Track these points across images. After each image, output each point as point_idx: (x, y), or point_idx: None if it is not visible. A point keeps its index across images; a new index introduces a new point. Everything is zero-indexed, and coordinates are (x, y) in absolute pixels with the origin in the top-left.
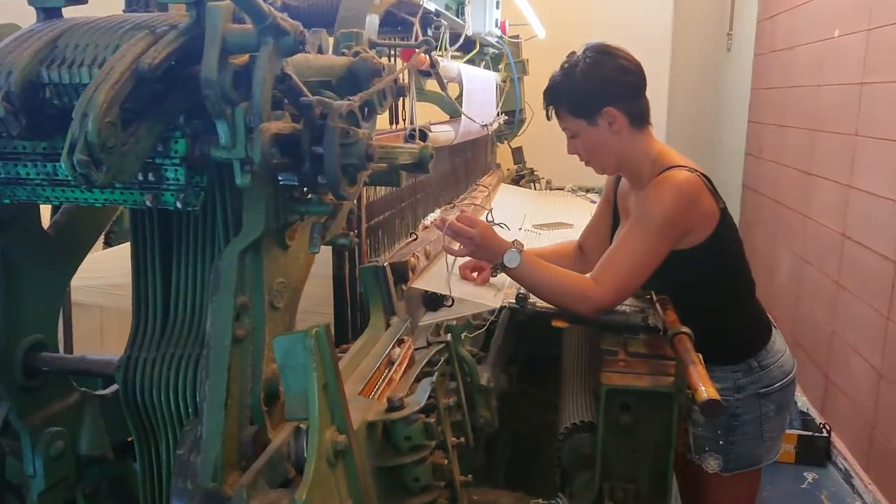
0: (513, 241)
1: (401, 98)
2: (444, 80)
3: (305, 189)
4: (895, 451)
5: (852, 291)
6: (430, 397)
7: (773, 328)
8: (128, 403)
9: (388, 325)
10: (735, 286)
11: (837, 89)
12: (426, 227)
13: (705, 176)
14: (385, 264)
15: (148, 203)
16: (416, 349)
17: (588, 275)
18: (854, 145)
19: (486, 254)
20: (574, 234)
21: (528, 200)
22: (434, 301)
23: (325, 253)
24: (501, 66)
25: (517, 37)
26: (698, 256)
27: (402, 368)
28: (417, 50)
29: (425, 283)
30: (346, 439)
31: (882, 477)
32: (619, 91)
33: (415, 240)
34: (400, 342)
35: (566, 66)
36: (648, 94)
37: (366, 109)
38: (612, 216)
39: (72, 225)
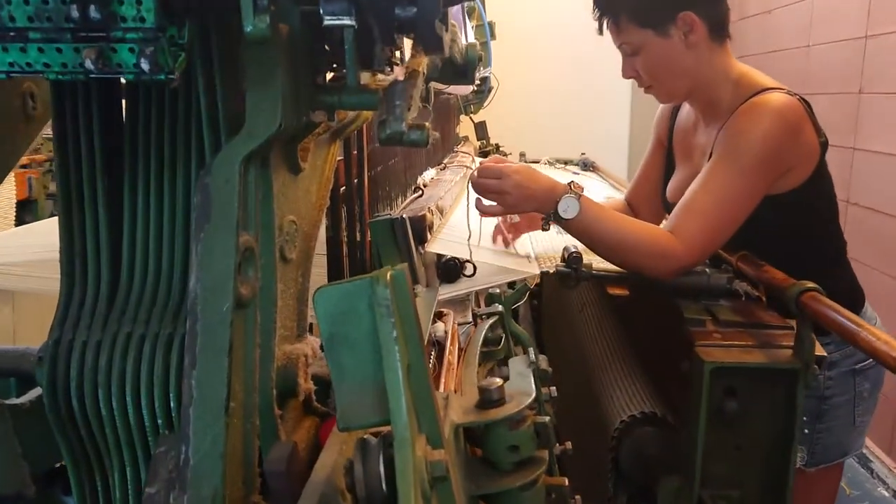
0: (568, 184)
1: None
2: None
3: (335, 71)
4: None
5: (861, 261)
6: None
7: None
8: (56, 413)
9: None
10: (830, 240)
11: (835, 47)
12: (426, 185)
13: (805, 101)
14: (403, 216)
15: (88, 64)
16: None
17: (663, 225)
18: (858, 103)
19: (531, 204)
20: None
21: None
22: (452, 270)
23: None
24: (472, 25)
25: None
26: (793, 202)
27: (456, 349)
28: None
29: (442, 246)
30: (444, 457)
31: None
32: None
33: (420, 195)
34: (439, 315)
35: None
36: (613, 71)
37: None
38: (664, 162)
39: None
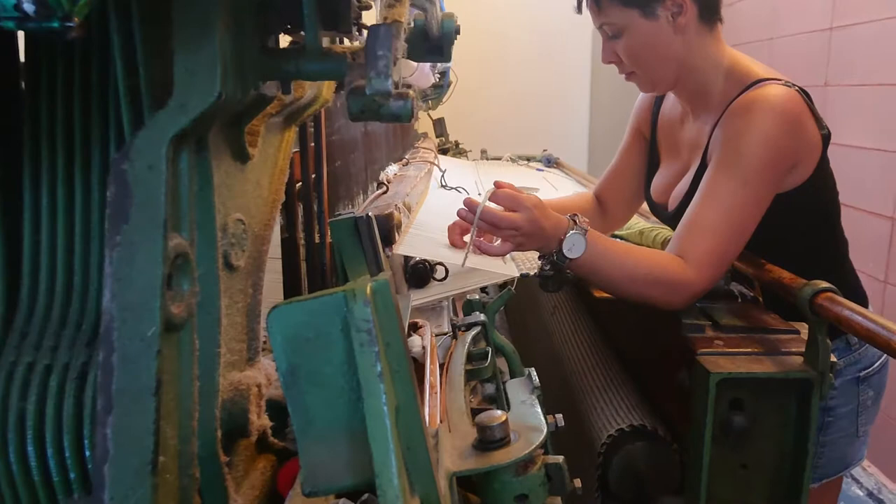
0: (570, 218)
1: None
2: None
3: (290, 33)
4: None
5: None
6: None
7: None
8: None
9: None
10: (835, 239)
11: (800, 39)
12: (390, 181)
13: (804, 91)
14: (369, 213)
15: None
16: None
17: (668, 248)
18: (825, 96)
19: (537, 243)
20: (542, 198)
21: (471, 168)
22: (421, 274)
23: None
24: None
25: None
26: (795, 200)
27: (437, 367)
28: None
29: (411, 248)
30: None
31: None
32: None
33: (385, 191)
34: (414, 327)
35: None
36: (572, 68)
37: None
38: (646, 156)
39: None
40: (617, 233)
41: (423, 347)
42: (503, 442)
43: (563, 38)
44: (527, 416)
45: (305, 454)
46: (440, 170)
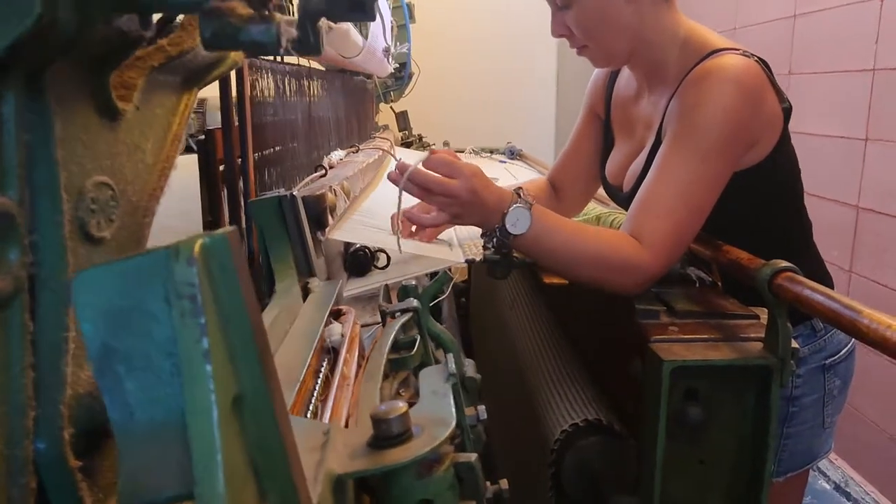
0: (515, 190)
1: None
2: None
3: None
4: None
5: None
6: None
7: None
8: None
9: (305, 292)
10: (797, 220)
11: (764, 28)
12: (332, 166)
13: (763, 61)
14: (294, 192)
15: None
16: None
17: (622, 229)
18: (789, 85)
19: (477, 216)
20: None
21: None
22: (361, 262)
23: (193, 186)
24: (390, 6)
25: None
26: (755, 178)
27: (354, 357)
28: None
29: (348, 233)
30: None
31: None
32: None
33: (324, 175)
34: (336, 315)
35: None
36: (537, 58)
37: None
38: (600, 137)
39: None
40: (573, 218)
41: (342, 336)
42: (402, 438)
43: (530, 25)
44: (436, 408)
45: (125, 456)
46: (395, 158)
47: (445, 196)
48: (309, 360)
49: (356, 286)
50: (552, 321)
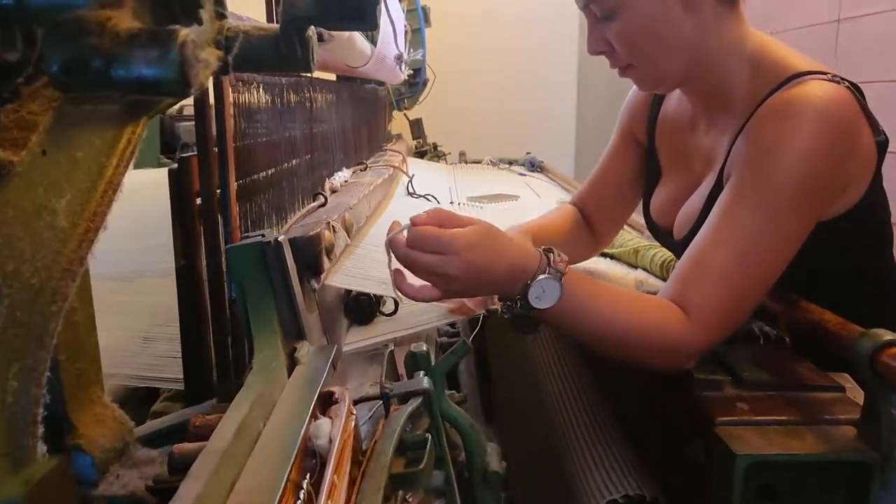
0: (544, 251)
1: None
2: None
3: None
4: None
5: None
6: None
7: None
8: None
9: (291, 362)
10: (887, 271)
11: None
12: (334, 191)
13: (855, 86)
14: (280, 237)
15: None
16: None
17: (662, 293)
18: None
19: (484, 290)
20: (522, 208)
21: (446, 173)
22: (363, 308)
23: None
24: (404, 10)
25: None
26: (841, 227)
27: (347, 466)
28: None
29: (347, 279)
30: None
31: None
32: None
33: (323, 204)
34: (325, 400)
35: None
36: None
37: None
38: (639, 165)
39: None
40: (608, 251)
41: (331, 440)
42: None
43: (550, 30)
44: None
45: None
46: (407, 175)
47: (435, 276)
48: (287, 473)
49: (358, 338)
50: (581, 363)
